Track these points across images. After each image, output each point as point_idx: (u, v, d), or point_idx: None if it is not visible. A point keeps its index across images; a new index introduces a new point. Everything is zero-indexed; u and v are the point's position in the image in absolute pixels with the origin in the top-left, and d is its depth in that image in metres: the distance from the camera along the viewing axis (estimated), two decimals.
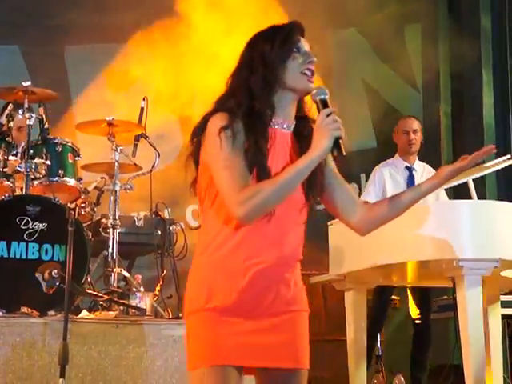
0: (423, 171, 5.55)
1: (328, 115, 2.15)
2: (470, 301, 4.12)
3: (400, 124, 5.61)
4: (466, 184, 4.48)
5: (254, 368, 2.21)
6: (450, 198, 5.59)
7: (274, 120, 2.26)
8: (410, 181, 5.46)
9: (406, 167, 5.52)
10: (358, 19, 7.41)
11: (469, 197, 4.47)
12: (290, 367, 2.21)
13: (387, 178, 5.48)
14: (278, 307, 2.20)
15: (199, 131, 2.24)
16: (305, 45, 2.31)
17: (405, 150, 5.55)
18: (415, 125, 5.56)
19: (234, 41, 4.98)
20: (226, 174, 2.14)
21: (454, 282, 4.23)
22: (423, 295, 5.35)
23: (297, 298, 2.27)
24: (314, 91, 2.23)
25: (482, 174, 4.74)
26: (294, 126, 2.31)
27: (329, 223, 5.01)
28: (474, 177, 4.52)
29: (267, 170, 2.19)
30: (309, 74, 2.27)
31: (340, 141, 2.15)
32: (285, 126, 2.29)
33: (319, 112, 2.20)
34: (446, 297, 5.62)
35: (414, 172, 5.51)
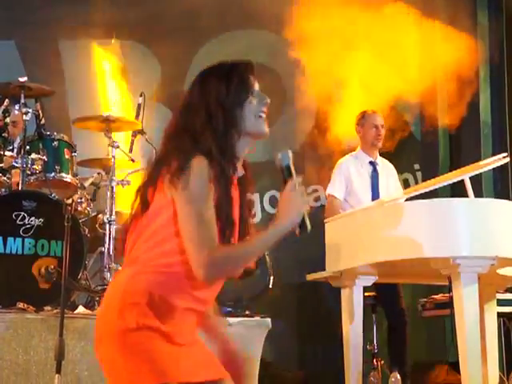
0: (383, 166, 5.59)
1: (302, 189, 2.17)
2: (467, 298, 4.12)
3: (368, 118, 5.59)
4: (462, 182, 4.48)
5: None
6: (446, 196, 5.59)
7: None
8: (375, 176, 5.51)
9: (370, 162, 5.55)
10: None
11: (465, 195, 4.47)
12: None
13: (352, 170, 5.51)
14: None
15: (180, 168, 2.12)
16: (257, 85, 2.29)
17: (372, 144, 5.55)
18: (382, 120, 5.59)
19: None
20: (199, 230, 2.11)
21: (451, 279, 4.24)
22: (391, 294, 5.36)
23: None
24: (279, 156, 2.21)
25: (478, 172, 4.74)
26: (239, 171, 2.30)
27: (325, 220, 5.02)
28: (470, 175, 4.52)
29: (233, 222, 2.21)
30: (263, 116, 2.26)
31: (305, 216, 2.16)
32: (239, 171, 2.28)
33: (284, 178, 2.20)
34: (441, 294, 5.62)
35: (377, 167, 5.55)
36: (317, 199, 7.13)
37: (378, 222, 4.48)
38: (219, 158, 2.16)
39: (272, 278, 5.09)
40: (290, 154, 2.20)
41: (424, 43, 6.85)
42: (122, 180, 5.27)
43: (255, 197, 7.09)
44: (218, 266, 2.11)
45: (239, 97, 2.23)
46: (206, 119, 2.20)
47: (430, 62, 6.95)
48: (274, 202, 7.13)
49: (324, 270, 4.97)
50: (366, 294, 5.06)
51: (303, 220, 2.15)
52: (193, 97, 2.25)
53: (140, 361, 2.08)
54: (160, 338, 2.11)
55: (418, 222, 4.24)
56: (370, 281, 4.92)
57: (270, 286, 4.62)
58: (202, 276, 2.10)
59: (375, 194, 5.40)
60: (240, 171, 2.28)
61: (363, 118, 5.61)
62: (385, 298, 5.38)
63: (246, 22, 7.17)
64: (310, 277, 5.31)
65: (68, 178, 5.00)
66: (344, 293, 4.93)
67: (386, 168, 5.61)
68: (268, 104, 2.25)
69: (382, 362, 5.40)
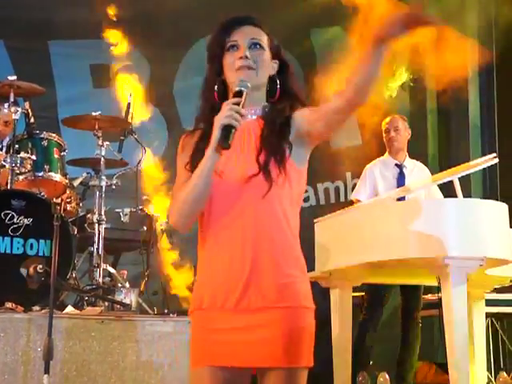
0: (413, 168, 5.59)
1: (230, 104, 2.12)
2: (456, 299, 4.13)
3: (383, 123, 5.68)
4: (451, 182, 4.50)
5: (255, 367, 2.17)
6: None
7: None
8: (401, 178, 5.49)
9: (396, 165, 5.55)
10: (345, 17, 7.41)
11: (455, 195, 4.49)
12: (268, 366, 2.12)
13: (378, 176, 5.52)
14: (251, 304, 2.12)
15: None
16: (238, 37, 2.28)
17: (389, 148, 5.60)
18: (396, 123, 5.60)
19: None
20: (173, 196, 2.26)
21: (439, 279, 4.25)
22: (413, 293, 5.38)
23: (282, 293, 2.14)
24: (237, 82, 2.20)
25: (467, 172, 4.76)
26: (263, 112, 2.29)
27: (315, 220, 5.02)
28: (459, 175, 4.54)
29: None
30: (242, 65, 2.24)
31: (233, 130, 2.09)
32: (249, 114, 2.27)
33: None
34: (430, 295, 5.64)
35: (404, 169, 5.54)
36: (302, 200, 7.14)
37: (366, 222, 4.49)
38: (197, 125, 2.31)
39: None
40: (249, 85, 2.18)
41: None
42: (112, 181, 5.27)
43: None
44: (173, 210, 2.20)
45: (213, 59, 2.30)
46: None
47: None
48: None
49: (313, 270, 4.98)
50: (355, 294, 5.06)
51: (226, 135, 2.09)
52: None
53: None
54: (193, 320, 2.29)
55: (406, 222, 4.24)
56: (359, 281, 4.94)
57: None
58: (171, 224, 2.26)
59: (401, 197, 5.37)
60: (254, 112, 2.29)
61: (382, 124, 5.67)
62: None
63: None
64: None
65: (57, 177, 4.99)
66: (333, 293, 4.94)
67: (417, 169, 5.58)
68: (244, 56, 2.24)
69: (371, 362, 5.40)
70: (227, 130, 2.09)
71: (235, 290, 2.13)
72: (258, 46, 2.28)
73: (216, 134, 2.10)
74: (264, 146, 2.21)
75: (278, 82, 2.31)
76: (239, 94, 2.16)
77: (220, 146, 2.11)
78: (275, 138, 2.22)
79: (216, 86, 2.28)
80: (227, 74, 2.27)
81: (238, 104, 2.12)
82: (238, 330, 2.12)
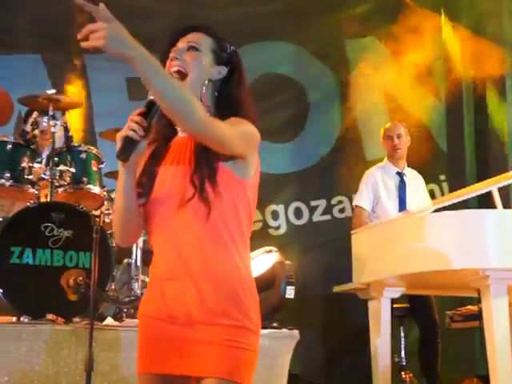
0: (412, 176, 5.59)
1: (133, 116, 2.05)
2: (496, 310, 4.09)
3: (385, 130, 5.67)
4: (489, 193, 4.46)
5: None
6: (474, 207, 5.56)
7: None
8: (402, 186, 5.50)
9: (397, 172, 5.54)
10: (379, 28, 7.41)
11: (493, 206, 4.45)
12: (175, 373, 2.09)
13: (379, 182, 5.50)
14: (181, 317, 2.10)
15: None
16: (179, 43, 2.23)
17: (391, 155, 5.58)
18: (399, 130, 5.60)
19: None
20: None
21: (479, 291, 4.21)
22: (424, 305, 5.33)
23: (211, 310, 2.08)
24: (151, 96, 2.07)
25: (506, 183, 4.71)
26: None
27: (352, 231, 5.01)
28: (498, 186, 4.50)
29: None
30: (171, 70, 2.18)
31: (132, 142, 2.01)
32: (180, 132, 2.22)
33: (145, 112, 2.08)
34: (470, 306, 5.58)
35: (404, 177, 5.53)
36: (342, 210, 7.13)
37: (405, 234, 4.47)
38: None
39: (292, 288, 5.05)
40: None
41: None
42: None
43: (280, 208, 7.10)
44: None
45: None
46: None
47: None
48: (298, 213, 7.13)
49: (351, 281, 4.96)
50: (394, 305, 5.03)
51: (125, 146, 2.01)
52: None
53: None
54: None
55: (446, 234, 4.22)
56: (397, 292, 4.91)
57: (288, 297, 4.58)
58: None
59: (402, 205, 5.38)
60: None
61: (383, 131, 5.66)
62: (417, 310, 5.35)
63: (269, 34, 7.21)
64: (337, 288, 5.30)
65: (96, 189, 5.02)
66: (371, 305, 4.92)
67: (415, 179, 5.60)
68: (172, 57, 2.19)
69: (411, 374, 5.35)
70: (125, 142, 2.01)
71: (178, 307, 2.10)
72: (191, 49, 2.22)
73: (116, 145, 2.04)
74: (197, 164, 2.12)
75: (206, 83, 2.20)
76: (150, 104, 2.05)
77: (117, 158, 2.03)
78: (209, 153, 2.09)
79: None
80: None
81: (143, 114, 2.04)
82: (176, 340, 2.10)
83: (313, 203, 7.15)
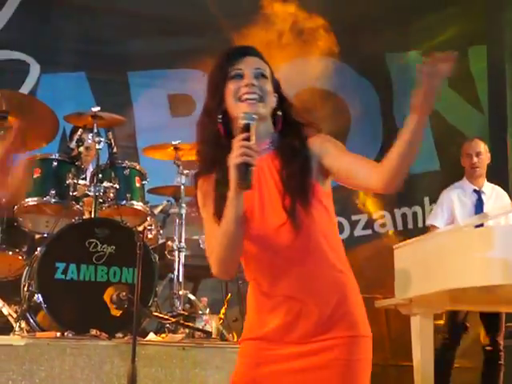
0: (492, 194, 5.47)
1: (241, 141, 2.02)
2: None
3: (464, 147, 5.58)
4: None
5: None
6: None
7: None
8: (479, 204, 5.38)
9: (474, 190, 5.45)
10: (421, 42, 7.39)
11: None
12: None
13: (455, 200, 5.42)
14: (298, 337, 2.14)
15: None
16: (244, 66, 2.22)
17: (469, 174, 5.50)
18: (478, 147, 5.50)
19: None
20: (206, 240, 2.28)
21: None
22: (493, 320, 5.24)
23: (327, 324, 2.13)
24: (241, 115, 2.09)
25: None
26: (274, 144, 2.23)
27: (394, 246, 4.97)
28: None
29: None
30: (246, 97, 2.17)
31: (250, 168, 1.99)
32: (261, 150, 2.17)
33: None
34: None
35: (482, 195, 5.43)
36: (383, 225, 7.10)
37: (448, 249, 4.42)
38: (202, 166, 2.26)
39: None
40: (255, 116, 2.09)
41: None
42: (192, 207, 5.32)
43: None
44: (212, 259, 2.18)
45: (215, 88, 2.22)
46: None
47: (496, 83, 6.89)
48: (340, 227, 7.11)
49: (393, 296, 4.92)
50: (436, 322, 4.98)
51: (244, 174, 1.99)
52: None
53: None
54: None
55: (490, 248, 4.16)
56: (439, 309, 4.86)
57: None
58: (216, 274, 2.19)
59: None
60: (266, 147, 2.22)
61: (462, 148, 5.58)
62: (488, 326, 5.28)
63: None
64: (379, 303, 5.26)
65: (139, 205, 5.07)
66: (414, 321, 4.86)
67: (496, 196, 5.49)
68: (250, 84, 2.17)
69: None
70: (243, 169, 1.99)
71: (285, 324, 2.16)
72: (262, 76, 2.22)
73: (233, 175, 2.02)
74: (287, 190, 2.15)
75: (280, 113, 2.24)
76: (246, 127, 2.06)
77: (240, 187, 2.02)
78: (298, 178, 2.15)
79: (220, 117, 2.19)
80: (229, 102, 2.19)
81: (247, 139, 2.03)
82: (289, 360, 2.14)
83: (354, 217, 7.13)
